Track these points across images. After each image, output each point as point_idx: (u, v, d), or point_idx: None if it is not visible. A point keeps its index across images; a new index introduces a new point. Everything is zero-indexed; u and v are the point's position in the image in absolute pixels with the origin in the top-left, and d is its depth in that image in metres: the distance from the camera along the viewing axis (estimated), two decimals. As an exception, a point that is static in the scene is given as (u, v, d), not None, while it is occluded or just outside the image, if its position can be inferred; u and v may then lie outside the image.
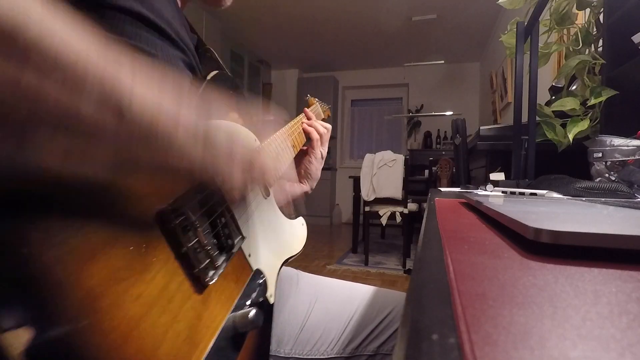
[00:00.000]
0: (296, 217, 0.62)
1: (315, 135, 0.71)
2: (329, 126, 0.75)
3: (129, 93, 0.23)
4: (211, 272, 0.34)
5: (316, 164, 0.71)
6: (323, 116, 0.87)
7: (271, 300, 0.46)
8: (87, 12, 0.35)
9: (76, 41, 0.21)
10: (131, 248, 0.26)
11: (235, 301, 0.37)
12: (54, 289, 0.21)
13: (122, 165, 0.26)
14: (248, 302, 0.40)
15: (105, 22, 0.35)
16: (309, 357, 0.57)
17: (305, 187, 0.71)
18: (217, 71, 0.46)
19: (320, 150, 0.71)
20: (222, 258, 0.37)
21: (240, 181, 0.36)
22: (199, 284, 0.32)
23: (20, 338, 0.19)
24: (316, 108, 0.83)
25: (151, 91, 0.25)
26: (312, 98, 0.86)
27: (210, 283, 0.33)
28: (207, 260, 0.33)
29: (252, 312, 0.35)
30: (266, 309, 0.44)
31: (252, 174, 0.38)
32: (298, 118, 0.71)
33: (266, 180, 0.43)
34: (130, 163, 0.26)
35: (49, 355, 0.20)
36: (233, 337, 0.35)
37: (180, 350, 0.28)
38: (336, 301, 0.62)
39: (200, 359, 0.30)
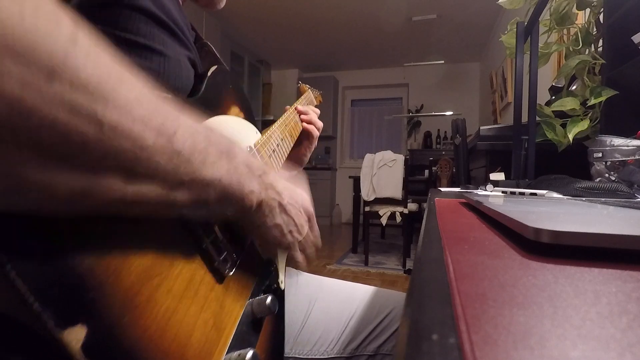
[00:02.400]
0: None
1: (315, 133, 0.75)
2: (318, 112, 0.80)
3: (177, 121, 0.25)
4: (229, 264, 0.36)
5: (309, 154, 0.77)
6: (315, 102, 0.88)
7: (282, 287, 0.48)
8: (103, 10, 0.35)
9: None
10: (157, 247, 0.28)
11: (252, 289, 0.40)
12: (98, 289, 0.23)
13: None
14: (263, 289, 0.43)
15: (122, 21, 0.36)
16: (309, 357, 0.57)
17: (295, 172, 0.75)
18: (216, 66, 0.47)
19: (314, 142, 0.77)
20: (237, 250, 0.39)
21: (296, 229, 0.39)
22: (219, 275, 0.35)
23: (78, 334, 0.21)
24: (308, 95, 0.85)
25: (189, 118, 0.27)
26: (304, 85, 0.88)
27: (230, 274, 0.36)
28: (225, 253, 0.36)
29: (269, 298, 0.38)
30: (279, 294, 0.47)
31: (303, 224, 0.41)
32: (292, 108, 0.72)
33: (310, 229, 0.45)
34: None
35: (102, 349, 0.22)
36: (253, 322, 0.38)
37: (209, 336, 0.31)
38: (336, 301, 0.62)
39: (226, 343, 0.33)
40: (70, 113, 0.19)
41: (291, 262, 0.44)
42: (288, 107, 0.72)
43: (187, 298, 0.29)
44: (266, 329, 0.41)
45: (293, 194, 0.39)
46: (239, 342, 0.34)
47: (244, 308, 0.37)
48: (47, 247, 0.21)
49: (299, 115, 0.73)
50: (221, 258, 0.35)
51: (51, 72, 0.18)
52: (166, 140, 0.24)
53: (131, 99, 0.22)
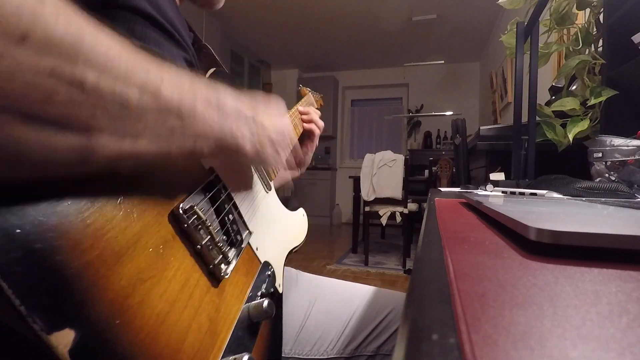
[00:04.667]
0: (296, 208, 0.65)
1: (317, 132, 0.75)
2: (319, 112, 0.81)
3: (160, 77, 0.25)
4: (224, 267, 0.36)
5: (311, 154, 0.77)
6: (316, 105, 0.88)
7: (280, 290, 0.48)
8: (98, 12, 0.35)
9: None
10: (150, 249, 0.28)
11: (248, 293, 0.40)
12: (88, 291, 0.22)
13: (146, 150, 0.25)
14: (259, 293, 0.42)
15: (117, 23, 0.36)
16: (309, 357, 0.57)
17: (297, 173, 0.76)
18: (214, 68, 0.47)
19: (316, 142, 0.78)
20: (233, 253, 0.39)
21: (275, 151, 0.39)
22: (215, 279, 0.34)
23: (65, 338, 0.20)
24: (309, 98, 0.85)
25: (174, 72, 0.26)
26: (305, 88, 0.88)
27: (225, 277, 0.35)
28: (220, 256, 0.35)
29: (265, 302, 0.38)
30: (276, 298, 0.46)
31: (283, 143, 0.41)
32: (293, 110, 0.72)
33: (292, 151, 0.46)
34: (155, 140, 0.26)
35: (90, 353, 0.21)
36: (249, 326, 0.37)
37: (203, 341, 0.30)
38: (336, 301, 0.62)
39: (222, 348, 0.32)
40: (49, 76, 0.19)
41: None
42: (288, 110, 0.72)
43: (181, 301, 0.29)
44: (263, 333, 0.40)
45: (277, 124, 0.40)
46: (234, 347, 0.34)
47: (240, 312, 0.37)
48: (34, 248, 0.21)
49: (300, 116, 0.73)
50: (217, 261, 0.34)
51: (21, 36, 0.18)
52: (151, 96, 0.24)
53: (110, 56, 0.22)
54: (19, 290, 0.19)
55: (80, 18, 0.21)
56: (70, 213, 0.23)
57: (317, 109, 0.85)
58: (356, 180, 3.22)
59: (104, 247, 0.24)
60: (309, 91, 0.88)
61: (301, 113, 0.74)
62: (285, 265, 0.53)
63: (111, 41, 0.22)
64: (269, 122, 0.38)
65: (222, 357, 0.32)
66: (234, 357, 0.32)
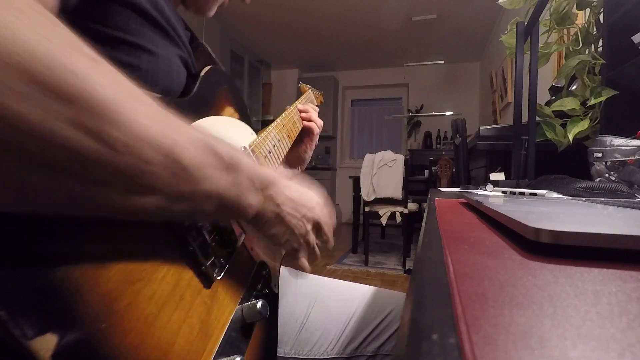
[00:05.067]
0: None
1: (316, 130, 0.75)
2: (317, 109, 0.80)
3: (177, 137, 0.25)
4: (217, 268, 0.35)
5: (310, 153, 0.77)
6: (316, 103, 0.88)
7: (276, 290, 0.47)
8: (94, 6, 0.35)
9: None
10: (140, 250, 0.27)
11: (242, 294, 0.39)
12: (73, 295, 0.22)
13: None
14: (254, 294, 0.41)
15: (111, 18, 0.35)
16: (309, 357, 0.57)
17: (297, 171, 0.76)
18: (210, 66, 0.46)
19: (315, 140, 0.77)
20: (227, 254, 0.38)
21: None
22: (207, 280, 0.33)
23: (47, 343, 0.20)
24: (309, 95, 0.84)
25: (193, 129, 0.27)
26: (305, 85, 0.87)
27: (218, 278, 0.35)
28: (213, 257, 0.35)
29: (259, 303, 0.37)
30: (272, 298, 0.45)
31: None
32: (292, 107, 0.72)
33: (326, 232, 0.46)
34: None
35: (74, 357, 0.21)
36: (242, 327, 0.37)
37: (194, 343, 0.30)
38: (336, 301, 0.62)
39: (213, 350, 0.32)
40: (78, 132, 0.19)
41: (293, 265, 0.44)
42: (288, 107, 0.71)
43: (172, 303, 0.28)
44: (257, 334, 0.40)
45: (298, 204, 0.39)
46: (227, 349, 0.33)
47: (234, 313, 0.36)
48: (15, 250, 0.20)
49: (299, 114, 0.73)
50: (209, 262, 0.34)
51: (68, 99, 0.19)
52: (168, 155, 0.24)
53: (140, 118, 0.22)
54: None
55: (119, 79, 0.23)
56: None
57: (317, 106, 0.84)
58: (356, 180, 3.22)
59: (90, 249, 0.24)
60: (309, 88, 0.87)
61: (300, 111, 0.73)
62: (281, 264, 0.53)
63: (142, 102, 0.23)
64: (286, 196, 0.37)
65: (214, 359, 0.31)
66: (225, 359, 0.32)
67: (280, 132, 0.61)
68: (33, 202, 0.20)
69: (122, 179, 0.22)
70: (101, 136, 0.20)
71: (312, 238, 0.42)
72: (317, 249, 0.44)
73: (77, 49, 0.20)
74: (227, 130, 0.46)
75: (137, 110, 0.22)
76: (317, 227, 0.43)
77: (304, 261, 0.43)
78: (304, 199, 0.40)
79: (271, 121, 0.60)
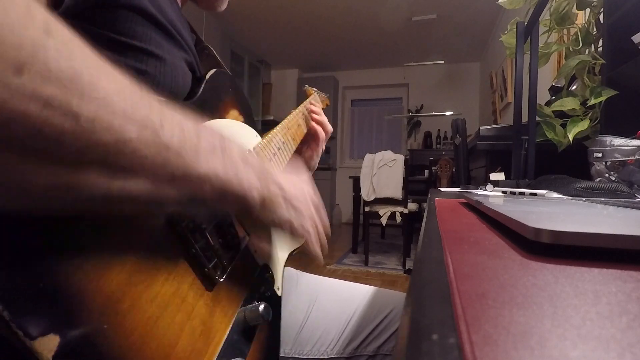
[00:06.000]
0: None
1: (322, 135, 0.72)
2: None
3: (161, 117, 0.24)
4: (220, 270, 0.35)
5: (316, 159, 0.74)
6: (322, 106, 0.86)
7: (279, 293, 0.47)
8: (99, 11, 0.35)
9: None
10: (143, 252, 0.27)
11: (245, 296, 0.39)
12: (76, 296, 0.22)
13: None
14: (257, 297, 0.41)
15: (117, 23, 0.35)
16: (309, 357, 0.57)
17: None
18: (215, 69, 0.46)
19: (322, 146, 0.74)
20: (230, 256, 0.38)
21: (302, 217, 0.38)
22: (210, 282, 0.34)
23: (49, 344, 0.20)
24: (315, 98, 0.82)
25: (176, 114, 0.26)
26: (310, 88, 0.85)
27: (220, 280, 0.35)
28: (216, 259, 0.35)
29: (262, 306, 0.37)
30: (274, 301, 0.45)
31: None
32: (298, 109, 0.70)
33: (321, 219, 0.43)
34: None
35: (75, 358, 0.21)
36: (245, 330, 0.37)
37: (195, 345, 0.30)
38: (336, 301, 0.62)
39: (215, 352, 0.32)
40: (43, 106, 0.18)
41: (309, 255, 0.43)
42: (292, 110, 0.70)
43: (174, 305, 0.28)
44: (260, 337, 0.40)
45: (296, 186, 0.38)
46: (229, 351, 0.33)
47: (236, 316, 0.36)
48: (19, 251, 0.20)
49: (311, 114, 0.71)
50: (211, 264, 0.34)
51: (19, 66, 0.17)
52: (152, 133, 0.23)
53: (110, 92, 0.21)
54: (1, 294, 0.19)
55: (85, 53, 0.21)
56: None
57: (322, 109, 0.83)
58: (356, 180, 3.22)
59: (94, 250, 0.24)
60: (315, 91, 0.85)
61: (313, 112, 0.71)
62: (285, 266, 0.53)
63: (113, 78, 0.22)
64: (283, 178, 0.36)
65: None
66: None
67: (285, 135, 0.60)
68: (20, 195, 0.20)
69: (99, 158, 0.21)
70: (63, 108, 0.19)
71: (318, 221, 0.42)
72: (323, 235, 0.43)
73: (30, 18, 0.19)
74: (232, 133, 0.46)
75: (102, 83, 0.21)
76: (318, 210, 0.42)
77: (317, 249, 0.42)
78: (298, 180, 0.40)
79: (271, 121, 0.61)
